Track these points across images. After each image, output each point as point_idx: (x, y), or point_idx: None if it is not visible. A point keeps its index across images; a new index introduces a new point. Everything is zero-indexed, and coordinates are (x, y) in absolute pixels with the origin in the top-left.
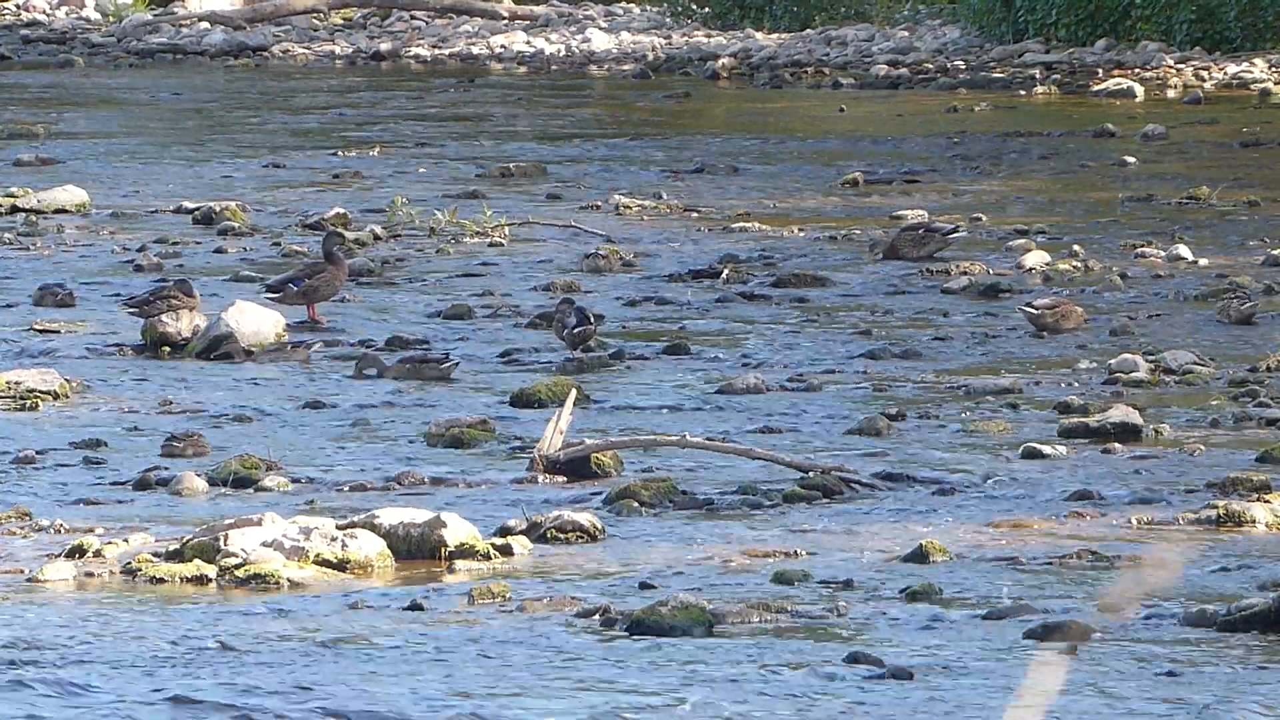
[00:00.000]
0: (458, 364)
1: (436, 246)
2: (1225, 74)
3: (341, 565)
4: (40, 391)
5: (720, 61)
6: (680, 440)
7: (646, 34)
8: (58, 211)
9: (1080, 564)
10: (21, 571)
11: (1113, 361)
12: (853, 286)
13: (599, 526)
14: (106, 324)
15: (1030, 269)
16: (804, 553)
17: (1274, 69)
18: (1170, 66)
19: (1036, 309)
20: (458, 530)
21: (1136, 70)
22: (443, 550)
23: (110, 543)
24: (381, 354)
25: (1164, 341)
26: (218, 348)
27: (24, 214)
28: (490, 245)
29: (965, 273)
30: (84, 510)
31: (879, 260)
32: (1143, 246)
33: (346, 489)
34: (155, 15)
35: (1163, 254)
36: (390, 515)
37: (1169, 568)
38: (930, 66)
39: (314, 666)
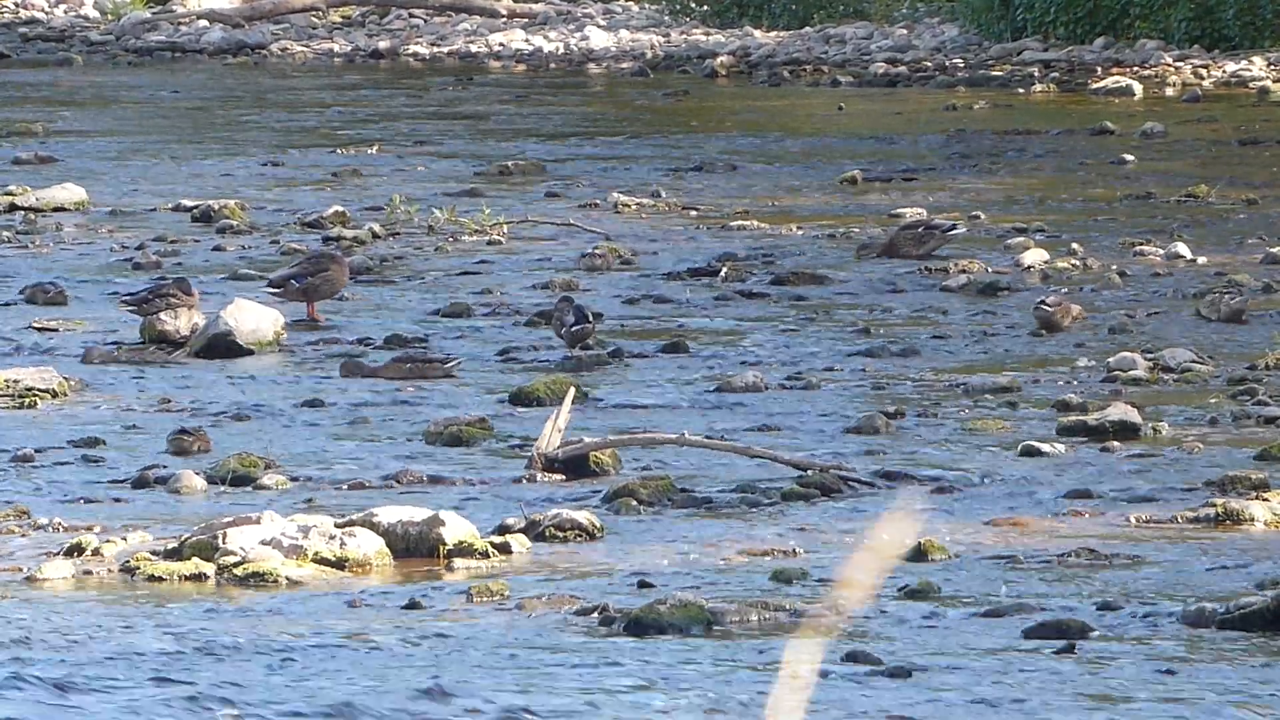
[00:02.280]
0: (460, 363)
1: (435, 245)
2: (1224, 72)
3: (340, 563)
4: (39, 389)
5: (719, 59)
6: (679, 439)
7: (645, 32)
8: (56, 209)
9: (1079, 562)
10: (20, 570)
11: (1111, 360)
12: (851, 285)
13: (597, 525)
14: (105, 322)
15: (1029, 267)
16: (802, 551)
17: (1272, 67)
18: (1169, 64)
19: (1050, 308)
20: (456, 528)
21: (1135, 68)
22: (441, 548)
23: (109, 541)
24: (374, 354)
25: (1162, 339)
26: (218, 345)
27: (23, 212)
28: (489, 243)
29: (964, 271)
30: (82, 508)
31: (874, 258)
32: (1141, 244)
33: (345, 487)
34: (154, 13)
35: (1161, 252)
36: (389, 513)
37: (897, 543)
38: (929, 64)
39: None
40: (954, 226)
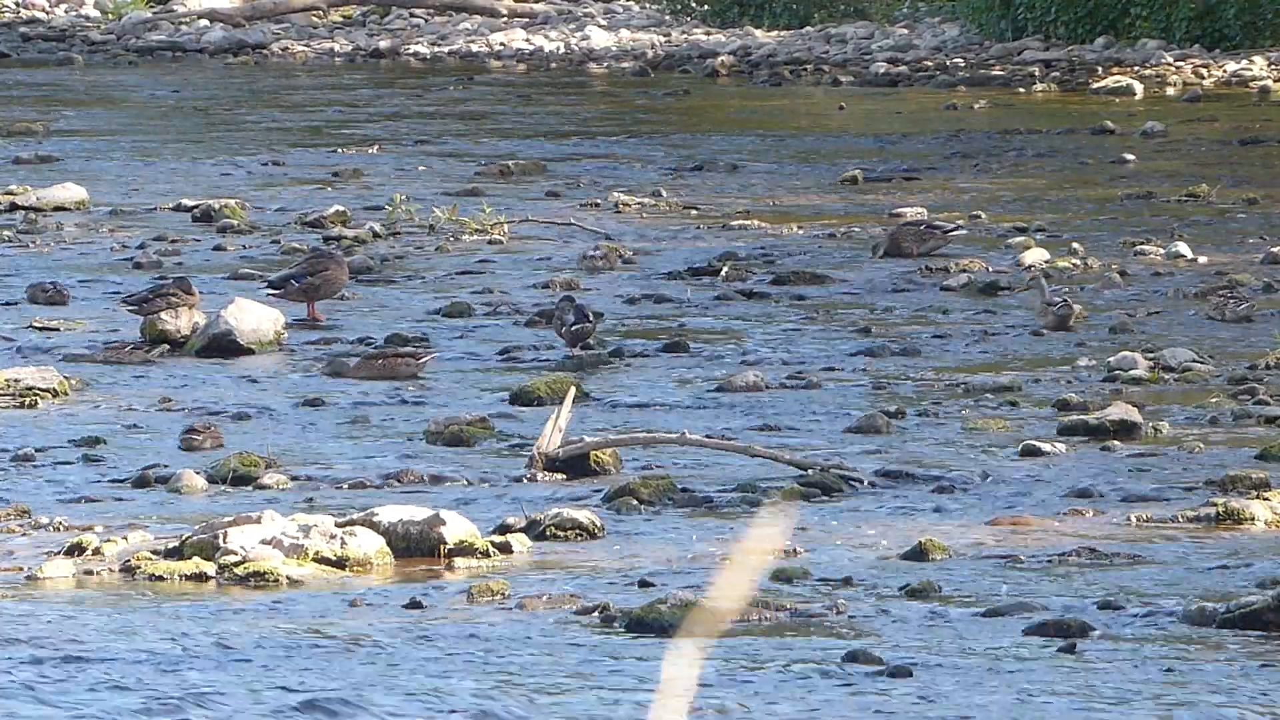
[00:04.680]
0: (435, 355)
1: (436, 244)
2: (1224, 72)
3: (340, 563)
4: (39, 389)
5: (719, 59)
6: (680, 438)
7: (646, 31)
8: (57, 209)
9: (1079, 561)
10: (21, 569)
11: (1112, 359)
12: (852, 284)
13: (598, 524)
14: (105, 321)
15: (1030, 266)
16: (803, 550)
17: (1273, 66)
18: (1169, 64)
19: (1066, 307)
20: (457, 528)
21: (1136, 68)
22: (442, 548)
23: (109, 540)
24: (353, 357)
25: (1163, 339)
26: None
27: (23, 211)
28: (489, 243)
29: (965, 270)
30: (83, 508)
31: (879, 257)
32: (1142, 244)
33: (346, 486)
34: (154, 13)
35: (1162, 251)
36: (389, 513)
37: (769, 547)
38: (929, 64)
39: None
40: (956, 227)
